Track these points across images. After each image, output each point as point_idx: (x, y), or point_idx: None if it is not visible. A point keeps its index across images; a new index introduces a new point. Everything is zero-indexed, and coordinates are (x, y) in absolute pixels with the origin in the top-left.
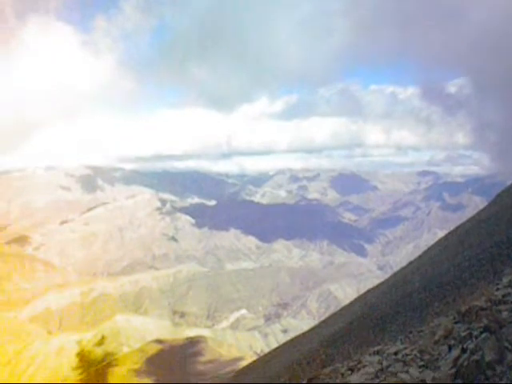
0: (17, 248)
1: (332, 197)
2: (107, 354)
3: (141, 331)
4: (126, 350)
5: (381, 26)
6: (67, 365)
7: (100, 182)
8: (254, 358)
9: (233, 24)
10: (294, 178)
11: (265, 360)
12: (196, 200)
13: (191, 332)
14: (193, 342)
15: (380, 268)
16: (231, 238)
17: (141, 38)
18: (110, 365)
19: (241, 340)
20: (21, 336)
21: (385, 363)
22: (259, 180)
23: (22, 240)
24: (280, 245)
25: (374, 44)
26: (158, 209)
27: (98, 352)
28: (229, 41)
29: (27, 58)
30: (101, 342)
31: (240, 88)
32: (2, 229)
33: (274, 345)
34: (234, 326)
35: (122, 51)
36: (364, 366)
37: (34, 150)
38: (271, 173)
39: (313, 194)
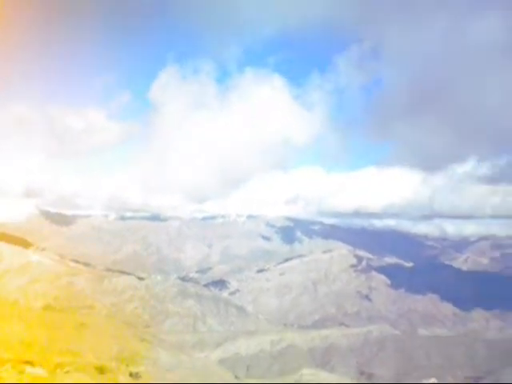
0: (214, 291)
1: None
2: None
3: None
4: None
5: None
6: None
7: (299, 233)
8: None
9: (443, 82)
10: (498, 245)
11: None
12: (393, 260)
13: None
14: None
15: None
16: (427, 302)
17: (352, 94)
18: None
19: None
20: (209, 377)
21: None
22: (460, 245)
23: (219, 284)
24: (478, 314)
25: None
26: (354, 265)
27: None
28: (438, 99)
29: (243, 108)
30: None
31: (447, 148)
32: (203, 271)
33: None
34: None
35: (332, 106)
36: None
37: (240, 199)
38: (473, 238)
39: None
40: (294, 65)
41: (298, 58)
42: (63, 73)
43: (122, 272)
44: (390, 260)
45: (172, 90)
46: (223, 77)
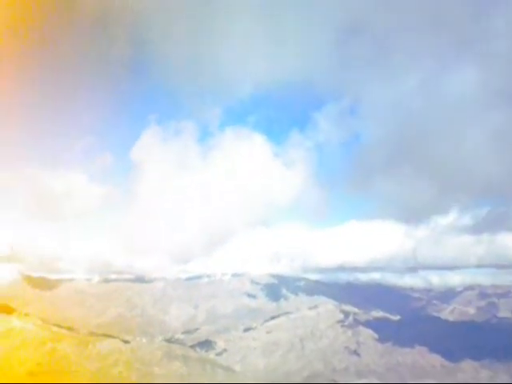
0: (200, 352)
1: None
2: None
3: None
4: None
5: None
6: None
7: (284, 291)
8: None
9: (421, 134)
10: (484, 294)
11: None
12: (380, 314)
13: None
14: None
15: None
16: (415, 354)
17: (332, 150)
18: None
19: None
20: None
21: None
22: (446, 296)
23: (206, 345)
24: (467, 364)
25: None
26: (340, 321)
27: None
28: (417, 152)
29: (225, 167)
30: None
31: (429, 200)
32: (189, 332)
33: None
34: None
35: (313, 163)
36: None
37: (224, 257)
38: (459, 289)
39: (503, 312)
40: (274, 123)
41: (277, 116)
42: (43, 135)
43: (107, 335)
44: (377, 314)
45: (154, 151)
46: (205, 136)
